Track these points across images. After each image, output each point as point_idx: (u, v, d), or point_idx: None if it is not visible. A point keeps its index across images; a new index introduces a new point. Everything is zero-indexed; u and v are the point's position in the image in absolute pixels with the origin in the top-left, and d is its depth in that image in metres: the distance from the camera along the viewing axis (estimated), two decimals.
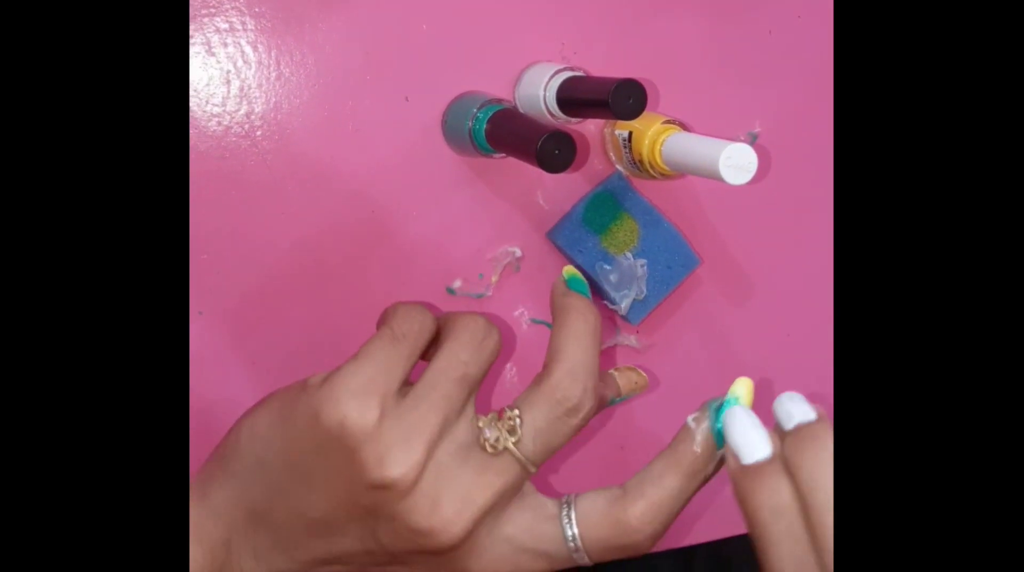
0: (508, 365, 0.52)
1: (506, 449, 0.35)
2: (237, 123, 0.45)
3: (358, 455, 0.34)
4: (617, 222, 0.50)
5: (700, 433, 0.36)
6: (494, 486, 0.35)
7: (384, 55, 0.46)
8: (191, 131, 0.45)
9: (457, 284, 0.50)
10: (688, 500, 0.37)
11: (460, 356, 0.36)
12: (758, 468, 0.33)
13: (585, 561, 0.37)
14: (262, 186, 0.46)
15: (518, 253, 0.50)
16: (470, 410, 0.37)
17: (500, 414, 0.36)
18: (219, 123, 0.45)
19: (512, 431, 0.35)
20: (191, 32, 0.44)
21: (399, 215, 0.48)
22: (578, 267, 0.50)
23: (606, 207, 0.50)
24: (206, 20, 0.44)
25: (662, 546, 0.58)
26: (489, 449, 0.35)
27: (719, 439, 0.37)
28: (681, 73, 0.51)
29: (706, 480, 0.37)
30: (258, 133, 0.45)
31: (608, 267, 0.50)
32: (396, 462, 0.34)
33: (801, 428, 0.33)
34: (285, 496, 0.36)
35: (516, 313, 0.51)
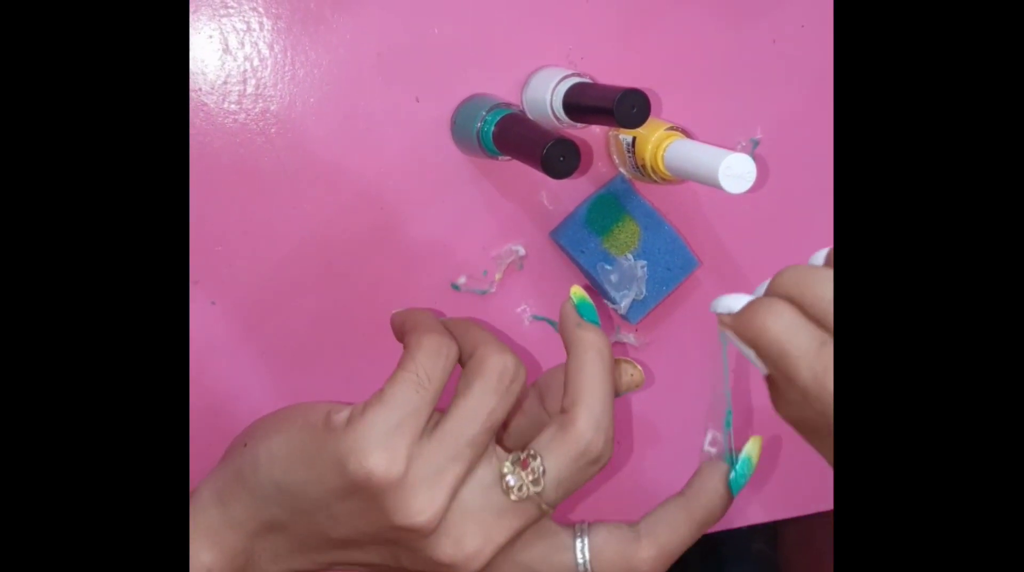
0: None
1: (529, 497, 0.36)
2: (253, 120, 0.47)
3: (384, 502, 0.35)
4: (619, 224, 0.51)
5: (715, 481, 0.39)
6: (514, 527, 0.37)
7: (396, 57, 0.48)
8: (208, 127, 0.46)
9: (462, 280, 0.51)
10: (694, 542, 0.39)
11: (488, 402, 0.36)
12: (748, 304, 0.35)
13: None
14: (275, 181, 0.47)
15: (522, 252, 0.52)
16: (491, 447, 0.37)
17: (524, 464, 0.36)
18: (235, 120, 0.46)
19: (536, 482, 0.36)
20: (209, 32, 0.45)
21: (407, 212, 0.50)
22: (580, 267, 0.52)
23: (609, 209, 0.51)
24: (224, 20, 0.45)
25: None
26: (513, 496, 0.36)
27: (735, 488, 0.40)
28: (686, 79, 0.53)
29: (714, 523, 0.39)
30: (273, 130, 0.47)
31: (609, 267, 0.52)
32: (421, 511, 0.35)
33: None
34: (306, 519, 0.37)
35: (518, 309, 0.53)
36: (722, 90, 0.53)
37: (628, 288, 0.52)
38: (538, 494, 0.36)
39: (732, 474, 0.40)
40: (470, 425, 0.36)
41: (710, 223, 0.55)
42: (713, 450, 0.51)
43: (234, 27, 0.46)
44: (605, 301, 0.53)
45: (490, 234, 0.51)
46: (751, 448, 0.40)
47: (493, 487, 0.36)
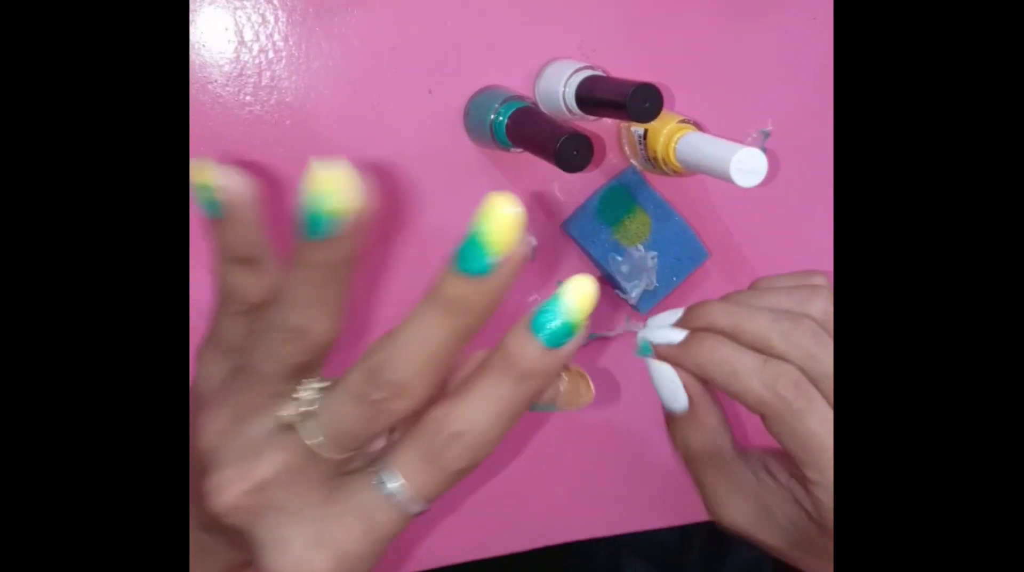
0: None
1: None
2: (267, 112, 0.47)
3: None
4: (630, 215, 0.52)
5: (517, 326, 0.29)
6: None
7: (409, 49, 0.48)
8: (224, 119, 0.46)
9: None
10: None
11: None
12: (691, 336, 0.41)
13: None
14: (289, 172, 0.48)
15: (533, 242, 0.52)
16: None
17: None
18: (250, 112, 0.47)
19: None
20: (225, 24, 0.45)
21: (420, 202, 0.50)
22: (591, 257, 0.52)
23: (620, 200, 0.52)
24: (239, 12, 0.46)
25: (664, 523, 0.61)
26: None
27: (537, 329, 0.28)
28: (697, 71, 0.53)
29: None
30: (287, 122, 0.47)
31: (620, 258, 0.52)
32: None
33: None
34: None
35: (530, 299, 0.53)
36: (733, 82, 0.54)
37: (639, 278, 0.52)
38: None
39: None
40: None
41: (720, 215, 0.55)
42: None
43: (249, 19, 0.46)
44: (616, 291, 0.53)
45: None
46: (569, 287, 0.28)
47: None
